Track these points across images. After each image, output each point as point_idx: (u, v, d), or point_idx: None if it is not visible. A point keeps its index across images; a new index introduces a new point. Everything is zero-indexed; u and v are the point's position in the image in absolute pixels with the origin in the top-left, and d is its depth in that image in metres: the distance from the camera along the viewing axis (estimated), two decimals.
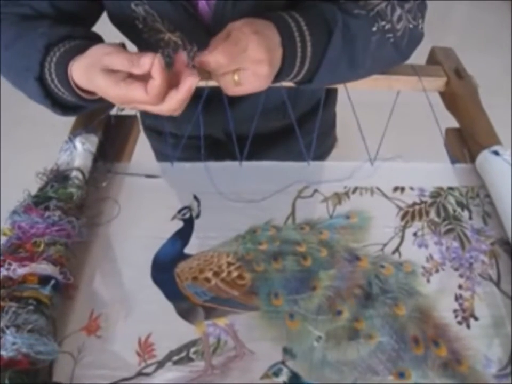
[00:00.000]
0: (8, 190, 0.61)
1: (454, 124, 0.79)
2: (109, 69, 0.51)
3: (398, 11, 0.62)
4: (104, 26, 0.72)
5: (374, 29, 0.60)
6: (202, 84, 0.73)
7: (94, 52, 0.53)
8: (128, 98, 0.51)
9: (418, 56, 0.77)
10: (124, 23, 0.68)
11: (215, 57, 0.52)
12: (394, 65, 0.70)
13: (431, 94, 0.78)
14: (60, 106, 0.60)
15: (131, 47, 0.71)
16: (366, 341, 0.54)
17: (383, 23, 0.61)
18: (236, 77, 0.53)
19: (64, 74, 0.55)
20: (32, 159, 0.67)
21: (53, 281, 0.53)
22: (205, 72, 0.55)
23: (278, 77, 0.58)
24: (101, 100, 0.58)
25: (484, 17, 2.61)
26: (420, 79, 0.77)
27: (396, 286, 0.59)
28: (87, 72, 0.53)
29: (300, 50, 0.57)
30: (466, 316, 0.56)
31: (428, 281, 0.59)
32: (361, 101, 0.74)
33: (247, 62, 0.53)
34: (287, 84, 0.67)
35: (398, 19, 0.62)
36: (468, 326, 0.55)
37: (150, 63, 0.48)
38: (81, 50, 0.55)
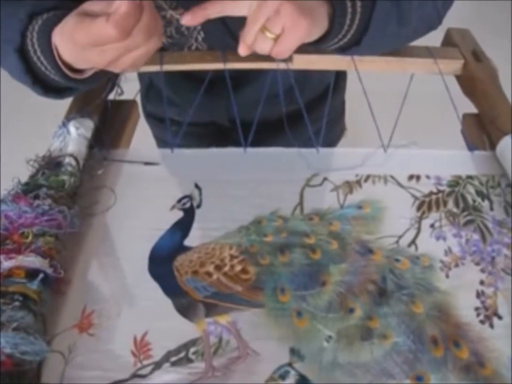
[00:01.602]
0: (8, 181, 0.57)
1: (471, 109, 0.74)
2: (84, 13, 0.47)
3: None
4: None
5: None
6: (206, 67, 0.69)
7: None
8: (93, 34, 0.45)
9: (433, 38, 0.73)
10: None
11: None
12: (432, 28, 0.65)
13: (446, 78, 0.74)
14: (41, 84, 0.55)
15: None
16: (380, 341, 0.50)
17: None
18: (268, 33, 0.49)
19: (47, 44, 0.51)
20: (33, 149, 0.64)
21: (41, 275, 0.49)
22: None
23: (327, 36, 0.54)
24: (84, 82, 0.54)
25: (487, 11, 2.57)
26: (435, 61, 0.73)
27: (412, 281, 0.54)
28: (63, 24, 0.48)
29: (350, 5, 0.53)
30: (489, 314, 0.52)
31: (447, 276, 0.55)
32: (371, 89, 0.70)
33: (261, 9, 0.49)
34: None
35: None
36: (491, 326, 0.51)
37: None
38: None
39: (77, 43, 0.47)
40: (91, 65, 0.52)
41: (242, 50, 0.52)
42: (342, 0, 0.53)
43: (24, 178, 0.59)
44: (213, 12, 0.51)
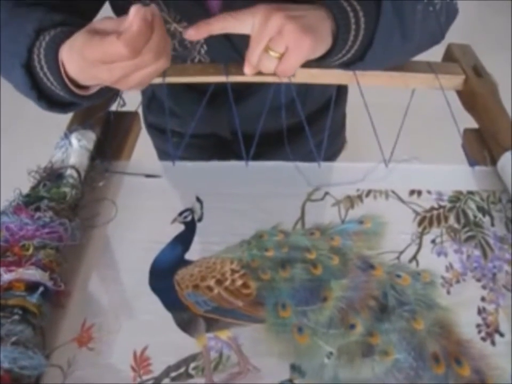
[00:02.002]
0: (9, 191, 0.57)
1: (471, 124, 0.74)
2: (94, 30, 0.47)
3: None
4: None
5: None
6: (208, 79, 0.70)
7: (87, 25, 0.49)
8: (102, 52, 0.46)
9: (434, 54, 0.74)
10: (127, 13, 0.64)
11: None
12: (435, 43, 0.66)
13: (446, 93, 0.74)
14: (47, 99, 0.56)
15: None
16: (381, 358, 0.49)
17: None
18: (272, 52, 0.50)
19: (54, 60, 0.51)
20: (35, 159, 0.63)
21: (41, 288, 0.49)
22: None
23: (331, 52, 0.55)
24: (89, 98, 0.54)
25: (492, 18, 2.58)
26: (436, 76, 0.73)
27: (414, 297, 0.54)
28: (72, 41, 0.49)
29: (353, 21, 0.53)
30: (491, 331, 0.52)
31: (448, 292, 0.55)
32: (372, 102, 0.70)
33: (263, 30, 0.50)
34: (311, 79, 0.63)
35: None
36: (493, 343, 0.51)
37: (134, 13, 0.44)
38: (74, 34, 0.50)
39: (86, 59, 0.47)
40: (98, 82, 0.52)
41: (248, 70, 0.53)
42: (345, 16, 0.53)
43: (24, 186, 0.58)
44: (216, 28, 0.52)
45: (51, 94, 0.55)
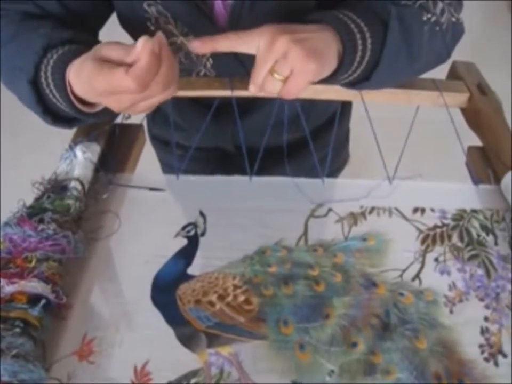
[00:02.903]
0: (11, 200, 0.57)
1: (475, 142, 0.74)
2: (101, 58, 0.47)
3: (440, 4, 0.59)
4: (111, 33, 0.69)
5: (424, 18, 0.57)
6: (213, 93, 0.70)
7: (93, 48, 0.49)
8: (111, 85, 0.46)
9: (438, 71, 0.74)
10: (134, 24, 0.65)
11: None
12: (441, 62, 0.66)
13: (450, 111, 0.74)
14: (51, 115, 0.56)
15: None
16: (383, 376, 0.49)
17: (429, 15, 0.58)
18: (276, 75, 0.50)
19: (61, 79, 0.51)
20: (37, 168, 0.64)
21: (43, 301, 0.49)
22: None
23: (337, 73, 0.55)
24: (95, 116, 0.54)
25: (497, 35, 2.58)
26: (441, 94, 0.73)
27: (416, 316, 0.54)
28: (80, 65, 0.49)
29: (360, 42, 0.53)
30: (494, 352, 0.52)
31: (451, 312, 0.55)
32: (375, 116, 0.71)
33: (269, 52, 0.50)
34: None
35: (441, 12, 0.59)
36: (496, 364, 0.51)
37: (142, 45, 0.44)
38: (82, 53, 0.51)
39: (94, 90, 0.48)
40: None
41: (253, 90, 0.53)
42: (352, 38, 0.53)
43: (26, 194, 0.58)
44: (221, 46, 0.52)
45: (56, 110, 0.55)
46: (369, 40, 0.54)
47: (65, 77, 0.51)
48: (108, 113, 0.57)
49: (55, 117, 0.56)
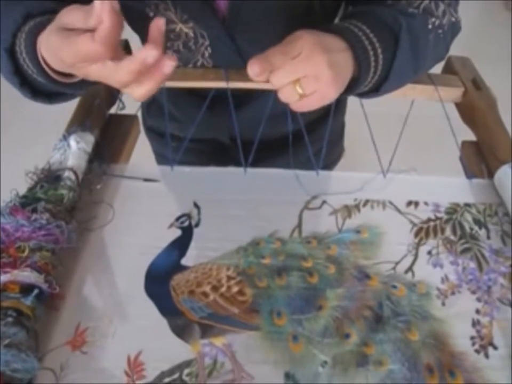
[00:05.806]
0: (4, 191, 0.57)
1: (469, 137, 0.75)
2: (65, 27, 0.45)
3: (441, 6, 0.59)
4: None
5: (430, 26, 0.58)
6: (208, 85, 0.70)
7: (56, 16, 0.47)
8: (77, 52, 0.43)
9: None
10: (133, 10, 0.64)
11: (268, 58, 0.49)
12: (440, 61, 0.67)
13: (445, 106, 0.74)
14: (29, 87, 0.54)
15: (137, 43, 0.67)
16: (375, 368, 0.49)
17: (433, 19, 0.58)
18: (299, 88, 0.49)
19: (33, 50, 0.50)
20: (32, 159, 0.63)
21: (36, 291, 0.49)
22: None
23: (353, 87, 0.55)
24: (74, 87, 0.53)
25: (493, 31, 2.59)
26: (436, 88, 0.73)
27: (409, 308, 0.54)
28: (47, 38, 0.47)
29: (373, 59, 0.53)
30: (485, 344, 0.52)
31: (443, 304, 0.55)
32: (370, 111, 0.71)
33: (303, 65, 0.49)
34: None
35: (443, 14, 0.59)
36: (487, 356, 0.51)
37: (101, 6, 0.41)
38: None
39: (64, 62, 0.46)
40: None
41: (256, 75, 0.50)
42: (367, 56, 0.53)
43: (21, 187, 0.58)
44: (277, 62, 0.50)
45: (33, 81, 0.54)
46: (380, 56, 0.54)
47: (36, 48, 0.50)
48: (88, 84, 0.55)
49: (34, 90, 0.55)
